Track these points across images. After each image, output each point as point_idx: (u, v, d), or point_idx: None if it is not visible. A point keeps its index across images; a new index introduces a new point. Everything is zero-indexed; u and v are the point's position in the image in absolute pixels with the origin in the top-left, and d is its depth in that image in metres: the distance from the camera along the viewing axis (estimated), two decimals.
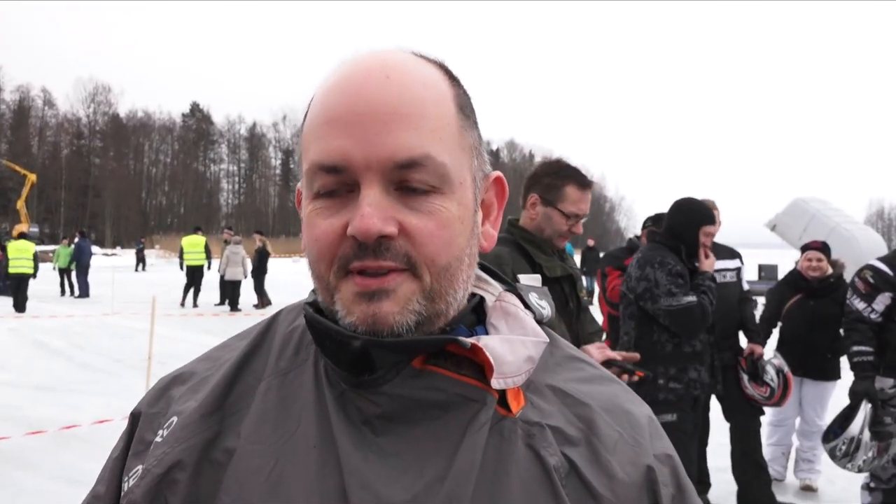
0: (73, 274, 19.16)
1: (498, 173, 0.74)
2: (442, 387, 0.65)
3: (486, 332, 0.71)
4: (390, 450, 0.63)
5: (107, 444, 5.45)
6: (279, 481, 0.64)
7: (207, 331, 12.30)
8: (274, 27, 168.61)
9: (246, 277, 16.10)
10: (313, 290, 0.74)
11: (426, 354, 0.66)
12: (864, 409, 3.74)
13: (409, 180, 0.62)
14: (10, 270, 15.31)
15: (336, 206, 0.64)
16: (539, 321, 0.75)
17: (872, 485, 3.92)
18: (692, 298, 3.43)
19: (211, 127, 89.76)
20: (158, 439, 0.70)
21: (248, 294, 16.49)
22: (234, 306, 15.70)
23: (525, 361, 0.68)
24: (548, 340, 0.71)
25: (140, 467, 0.70)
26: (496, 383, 0.65)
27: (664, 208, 4.25)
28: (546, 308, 0.78)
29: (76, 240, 19.68)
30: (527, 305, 0.75)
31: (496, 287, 0.76)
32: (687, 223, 3.61)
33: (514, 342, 0.68)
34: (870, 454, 3.71)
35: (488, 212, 0.73)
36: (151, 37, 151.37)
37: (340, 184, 0.63)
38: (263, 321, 0.79)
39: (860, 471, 3.83)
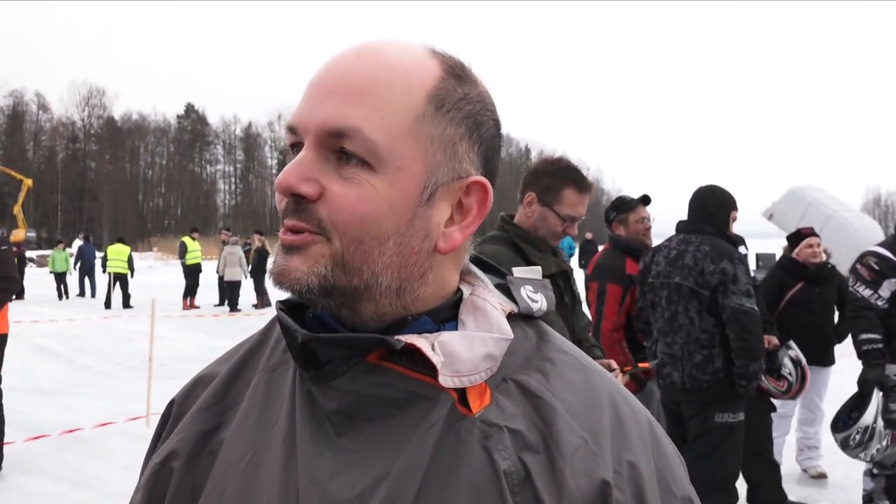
0: (68, 277, 19.34)
1: (478, 178, 0.69)
2: (394, 384, 0.65)
3: (457, 328, 0.70)
4: (348, 447, 0.64)
5: (109, 446, 5.44)
6: (254, 472, 0.66)
7: (207, 332, 12.30)
8: (267, 26, 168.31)
9: (246, 278, 16.12)
10: None
11: (383, 350, 0.66)
12: (877, 397, 3.71)
13: (342, 149, 0.64)
14: (109, 270, 17.03)
15: None
16: (529, 315, 0.74)
17: (875, 471, 3.93)
18: (757, 309, 3.36)
19: (206, 128, 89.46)
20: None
21: (248, 294, 16.49)
22: (234, 307, 15.71)
23: (484, 359, 0.66)
24: (511, 337, 0.68)
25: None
26: (447, 381, 0.64)
27: (661, 199, 4.23)
28: (539, 301, 0.75)
29: (80, 244, 19.86)
30: (513, 299, 0.73)
31: (480, 280, 0.75)
32: (721, 206, 3.59)
33: (473, 339, 0.66)
34: (884, 443, 3.68)
35: (465, 216, 0.70)
36: (145, 38, 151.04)
37: (297, 143, 0.67)
38: (273, 317, 0.80)
39: (872, 460, 3.79)
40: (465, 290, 0.74)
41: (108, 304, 16.54)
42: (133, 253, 18.01)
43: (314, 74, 0.68)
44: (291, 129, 0.67)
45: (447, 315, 0.71)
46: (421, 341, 0.64)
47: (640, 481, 0.65)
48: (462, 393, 0.65)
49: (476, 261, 0.78)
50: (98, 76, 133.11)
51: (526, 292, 0.75)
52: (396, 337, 0.64)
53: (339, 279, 0.65)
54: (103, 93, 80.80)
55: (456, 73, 0.69)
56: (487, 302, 0.71)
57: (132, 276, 17.50)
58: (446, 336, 0.66)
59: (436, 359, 0.64)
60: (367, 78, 0.64)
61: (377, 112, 0.64)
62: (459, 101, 0.68)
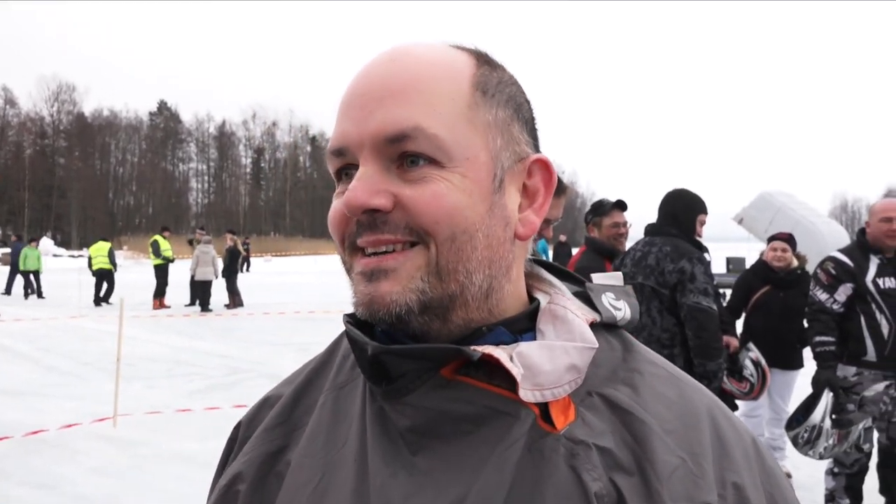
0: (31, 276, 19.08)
1: (539, 156, 0.68)
2: (470, 398, 0.61)
3: (535, 339, 0.66)
4: (422, 467, 0.60)
5: (75, 447, 5.30)
6: (323, 495, 0.64)
7: (179, 332, 12.14)
8: (241, 23, 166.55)
9: (217, 277, 15.96)
10: None
11: (458, 363, 0.62)
12: (826, 397, 3.83)
13: (404, 153, 0.61)
14: (94, 267, 16.98)
15: (345, 189, 0.64)
16: (612, 324, 0.70)
17: (836, 470, 4.03)
18: (715, 307, 3.42)
19: (179, 125, 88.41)
20: None
21: (220, 294, 16.32)
22: (205, 307, 15.53)
23: (567, 371, 0.61)
24: (596, 346, 0.63)
25: None
26: (528, 395, 0.60)
27: (635, 202, 4.29)
28: (622, 309, 0.71)
29: (14, 241, 19.92)
30: (593, 308, 0.69)
31: (557, 288, 0.71)
32: (687, 210, 3.65)
33: (554, 349, 0.62)
34: (830, 441, 3.81)
35: (533, 198, 0.68)
36: (117, 34, 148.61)
37: (347, 165, 0.64)
38: (338, 335, 0.77)
39: (821, 457, 3.92)
40: (542, 298, 0.70)
41: (97, 302, 16.54)
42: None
43: (348, 90, 0.65)
44: (338, 153, 0.64)
45: (524, 325, 0.67)
46: (499, 352, 0.60)
47: (745, 499, 0.60)
48: (544, 408, 0.61)
49: (551, 268, 0.75)
50: (68, 71, 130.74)
51: (608, 300, 0.71)
52: (473, 347, 0.61)
53: (436, 289, 0.61)
54: (73, 88, 79.55)
55: (486, 60, 0.68)
56: (568, 310, 0.67)
57: (115, 269, 17.42)
58: (525, 347, 0.62)
59: (515, 371, 0.60)
60: (410, 78, 0.62)
61: (431, 108, 0.61)
62: (499, 84, 0.67)
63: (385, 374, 0.63)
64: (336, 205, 0.65)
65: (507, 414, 0.60)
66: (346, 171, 0.64)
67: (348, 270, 0.66)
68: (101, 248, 17.27)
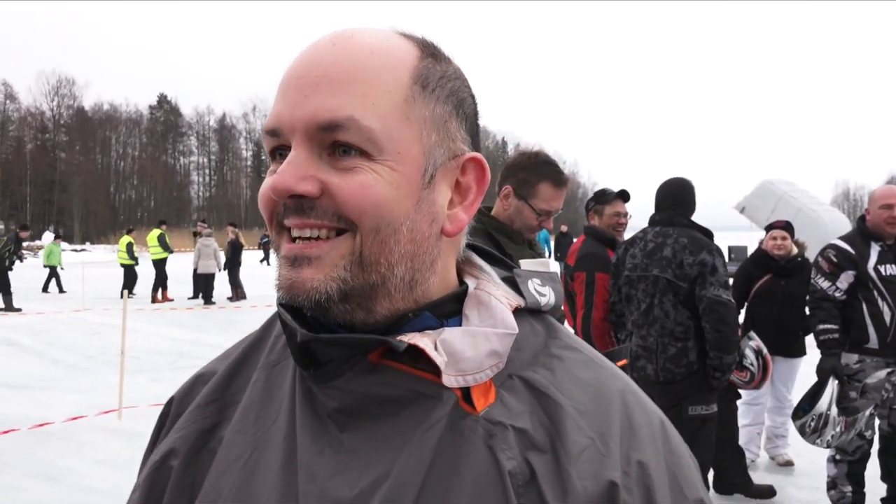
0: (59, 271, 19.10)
1: (474, 154, 0.69)
2: (396, 382, 0.63)
3: (460, 324, 0.68)
4: (349, 445, 0.63)
5: (80, 440, 5.34)
6: (253, 471, 0.65)
7: (181, 325, 12.18)
8: (241, 15, 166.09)
9: (220, 270, 15.99)
10: None
11: (385, 348, 0.64)
12: (832, 385, 3.82)
13: (335, 142, 0.61)
14: (120, 262, 17.44)
15: (276, 170, 0.65)
16: (536, 309, 0.72)
17: (838, 457, 4.04)
18: (734, 301, 3.40)
19: (179, 119, 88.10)
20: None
21: (223, 287, 16.35)
22: (208, 299, 15.57)
23: (488, 356, 0.64)
24: (516, 332, 0.66)
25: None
26: (451, 381, 0.62)
27: (636, 192, 4.26)
28: (547, 295, 0.73)
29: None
30: (520, 293, 0.71)
31: (487, 273, 0.73)
32: (693, 199, 3.63)
33: (476, 335, 0.64)
34: (837, 429, 3.80)
35: (465, 195, 0.69)
36: (117, 28, 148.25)
37: (280, 146, 0.64)
38: (274, 312, 0.78)
39: (828, 446, 3.91)
40: (471, 283, 0.71)
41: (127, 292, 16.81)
42: (105, 246, 17.77)
43: (288, 71, 0.65)
44: (273, 133, 0.64)
45: (450, 309, 0.68)
46: (424, 341, 0.63)
47: (650, 482, 0.62)
48: (466, 390, 0.64)
49: (484, 253, 0.76)
50: (68, 66, 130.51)
51: (533, 286, 0.73)
52: (399, 338, 0.63)
53: (357, 279, 0.63)
54: (73, 82, 79.11)
55: (432, 51, 0.68)
56: (492, 296, 0.69)
57: (136, 263, 17.35)
58: (449, 334, 0.64)
59: (439, 359, 0.62)
60: (349, 65, 0.62)
61: (367, 98, 0.62)
62: (441, 78, 0.67)
63: (314, 359, 0.65)
64: (265, 185, 0.64)
65: (430, 396, 0.63)
66: (281, 151, 0.65)
67: (276, 250, 0.66)
68: (121, 243, 17.42)
